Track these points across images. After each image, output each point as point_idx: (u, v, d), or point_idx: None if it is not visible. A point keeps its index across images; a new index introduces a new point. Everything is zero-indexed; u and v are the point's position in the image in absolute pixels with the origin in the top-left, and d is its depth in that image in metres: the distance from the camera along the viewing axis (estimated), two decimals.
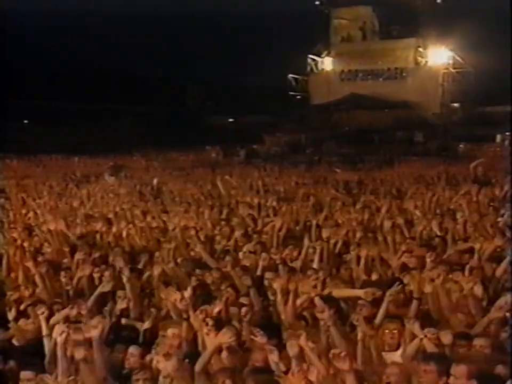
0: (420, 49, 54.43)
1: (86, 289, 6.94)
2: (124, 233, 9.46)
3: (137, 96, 56.20)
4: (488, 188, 13.75)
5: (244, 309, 5.97)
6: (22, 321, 6.06)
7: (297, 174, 21.81)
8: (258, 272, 7.19)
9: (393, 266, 7.21)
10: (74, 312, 5.69)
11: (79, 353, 4.69)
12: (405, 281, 6.14)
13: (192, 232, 9.50)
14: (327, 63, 57.47)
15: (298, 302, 6.03)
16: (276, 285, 6.08)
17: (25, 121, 52.63)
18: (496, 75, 45.76)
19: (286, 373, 4.66)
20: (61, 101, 51.85)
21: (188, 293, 5.73)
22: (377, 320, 5.57)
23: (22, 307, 6.34)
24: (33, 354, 5.30)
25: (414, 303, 5.63)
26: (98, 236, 9.78)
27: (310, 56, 57.54)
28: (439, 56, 53.81)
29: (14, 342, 5.84)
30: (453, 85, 53.84)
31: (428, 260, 6.71)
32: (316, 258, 7.49)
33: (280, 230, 9.32)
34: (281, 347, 4.81)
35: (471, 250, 7.55)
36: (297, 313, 5.97)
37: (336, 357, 4.32)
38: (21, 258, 7.78)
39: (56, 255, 8.62)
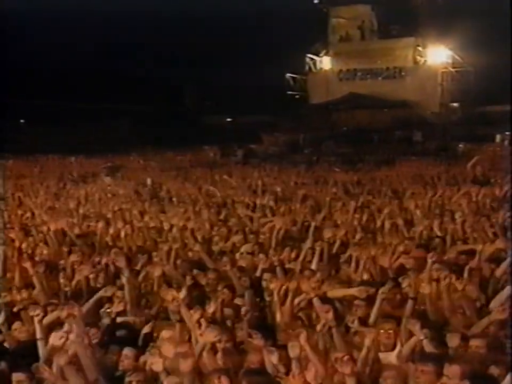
0: (419, 48, 54.39)
1: (84, 291, 6.94)
2: (122, 234, 9.46)
3: (135, 95, 56.14)
4: (487, 188, 13.76)
5: (243, 309, 6.02)
6: (16, 324, 6.04)
7: (296, 174, 21.81)
8: (258, 274, 7.21)
9: (391, 267, 7.22)
10: (64, 313, 5.66)
11: (61, 359, 4.66)
12: (403, 284, 6.15)
13: (190, 232, 9.53)
14: (325, 62, 57.44)
15: (296, 300, 6.05)
16: (273, 286, 6.09)
17: (22, 121, 52.61)
18: (495, 74, 45.78)
19: (285, 374, 4.69)
20: (57, 100, 51.82)
21: (182, 293, 5.75)
22: (371, 319, 5.59)
23: (15, 309, 6.34)
24: (25, 356, 5.26)
25: (410, 303, 5.62)
26: (96, 237, 9.80)
27: (308, 55, 57.55)
28: (438, 55, 53.82)
29: (5, 344, 5.81)
30: (452, 84, 53.88)
31: (429, 260, 6.72)
32: (315, 259, 7.49)
33: (278, 230, 9.33)
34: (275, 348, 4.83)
35: (469, 251, 7.58)
36: (294, 313, 5.98)
37: (339, 361, 4.34)
38: (18, 259, 7.77)
39: (54, 255, 8.62)
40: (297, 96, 58.49)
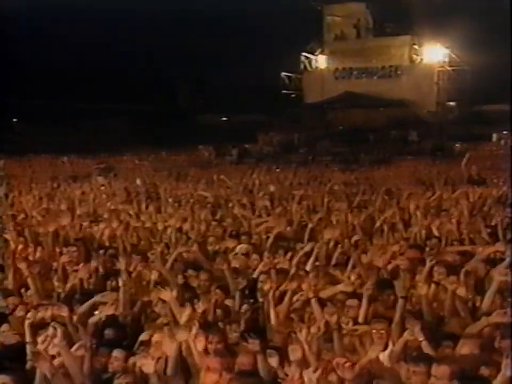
0: (415, 47, 54.47)
1: (78, 293, 6.94)
2: (118, 234, 9.48)
3: (129, 95, 56.14)
4: (483, 188, 13.81)
5: (244, 307, 6.07)
6: (4, 327, 6.04)
7: (291, 174, 21.85)
8: (255, 275, 7.24)
9: (386, 268, 7.24)
10: (48, 313, 5.65)
11: (44, 366, 4.65)
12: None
13: (186, 233, 9.56)
14: (320, 61, 57.49)
15: (294, 298, 6.08)
16: (268, 286, 6.12)
17: (15, 120, 52.53)
18: (492, 73, 45.95)
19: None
20: (51, 100, 51.73)
21: (173, 293, 5.78)
22: (360, 318, 5.63)
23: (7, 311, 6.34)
24: (13, 359, 5.25)
25: (400, 302, 5.63)
26: (91, 237, 9.81)
27: (304, 54, 57.58)
28: (434, 54, 53.89)
29: None
30: (448, 83, 53.97)
31: (428, 263, 6.76)
32: (311, 259, 7.51)
33: (273, 231, 9.36)
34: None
35: (464, 252, 7.64)
36: (289, 314, 6.02)
37: (341, 366, 4.39)
38: (13, 260, 7.77)
39: (48, 257, 8.62)
40: (292, 96, 58.49)
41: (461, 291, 6.03)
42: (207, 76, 63.56)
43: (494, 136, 44.85)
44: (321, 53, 57.47)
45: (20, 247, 8.68)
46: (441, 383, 4.36)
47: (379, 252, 7.63)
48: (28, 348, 5.26)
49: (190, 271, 7.30)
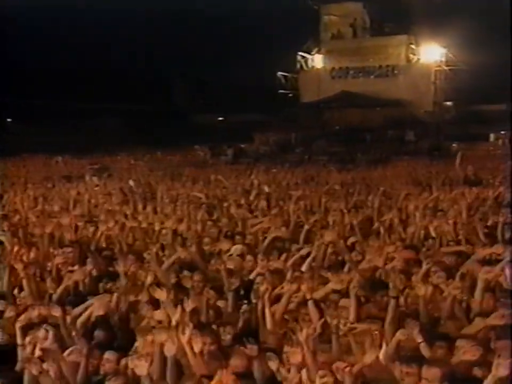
0: (412, 46, 54.53)
1: (71, 294, 6.94)
2: (114, 234, 9.48)
3: (124, 94, 56.11)
4: (480, 188, 13.83)
5: (243, 307, 6.11)
6: None
7: (287, 174, 21.87)
8: (251, 276, 7.25)
9: (385, 268, 7.26)
10: (35, 313, 5.65)
11: (33, 368, 4.66)
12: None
13: (181, 234, 9.57)
14: (317, 61, 57.50)
15: (292, 298, 6.10)
16: (264, 287, 6.13)
17: (9, 120, 52.45)
18: (489, 73, 46.08)
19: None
20: (45, 99, 51.68)
21: (165, 293, 5.80)
22: (351, 317, 5.65)
23: None
24: (2, 361, 5.25)
25: (392, 302, 5.64)
26: (86, 238, 9.80)
27: (300, 53, 57.61)
28: (431, 53, 53.96)
29: None
30: (445, 83, 54.06)
31: (424, 264, 6.79)
32: (308, 261, 7.51)
33: (269, 232, 9.38)
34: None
35: (459, 252, 7.68)
36: (284, 315, 6.04)
37: (341, 371, 4.41)
38: (8, 261, 7.76)
39: (43, 258, 8.61)
40: (289, 95, 58.49)
41: (456, 292, 6.04)
42: (204, 76, 63.69)
43: (492, 136, 44.97)
44: (318, 52, 57.49)
45: (15, 248, 8.68)
46: None
47: (376, 253, 7.65)
48: (19, 351, 5.24)
49: (185, 272, 7.32)
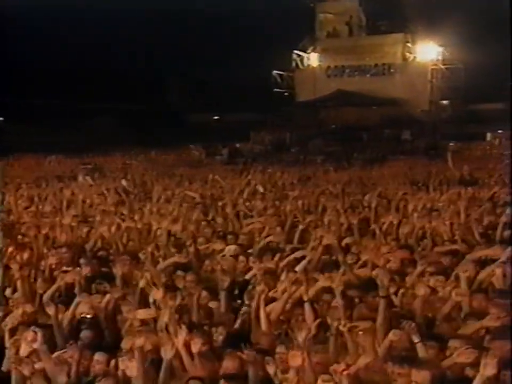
0: (408, 44, 54.59)
1: (63, 295, 6.95)
2: (109, 235, 9.50)
3: (118, 93, 56.03)
4: (475, 188, 13.87)
5: (244, 309, 6.16)
6: None
7: (283, 173, 21.89)
8: (247, 277, 7.29)
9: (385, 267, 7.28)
10: (19, 312, 5.66)
11: (27, 369, 4.69)
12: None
13: (174, 234, 9.59)
14: (313, 59, 57.57)
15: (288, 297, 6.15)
16: (261, 288, 6.15)
17: (1, 119, 52.32)
18: (486, 72, 46.17)
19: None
20: (38, 98, 51.59)
21: (161, 293, 5.84)
22: (341, 316, 5.68)
23: None
24: None
25: (382, 302, 5.67)
26: (81, 239, 9.82)
27: (296, 51, 57.63)
28: (428, 52, 54.04)
29: None
30: (442, 82, 54.11)
31: (419, 265, 6.83)
32: (304, 263, 7.53)
33: (263, 232, 9.41)
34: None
35: (456, 253, 7.73)
36: (280, 316, 6.07)
37: (339, 374, 4.43)
38: (2, 261, 7.77)
39: (37, 259, 8.63)
40: (285, 94, 58.47)
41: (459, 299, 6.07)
42: (199, 75, 63.58)
43: (488, 135, 45.02)
44: (314, 50, 57.54)
45: (10, 248, 8.69)
46: None
47: (372, 253, 7.69)
48: (7, 353, 5.25)
49: (179, 272, 7.36)
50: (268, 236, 9.24)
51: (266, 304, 6.01)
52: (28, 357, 4.91)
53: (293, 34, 55.42)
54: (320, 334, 5.38)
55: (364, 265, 7.39)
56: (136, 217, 10.94)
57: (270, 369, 4.77)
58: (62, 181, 19.98)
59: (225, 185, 16.94)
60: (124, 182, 18.00)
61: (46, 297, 6.66)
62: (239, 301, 6.63)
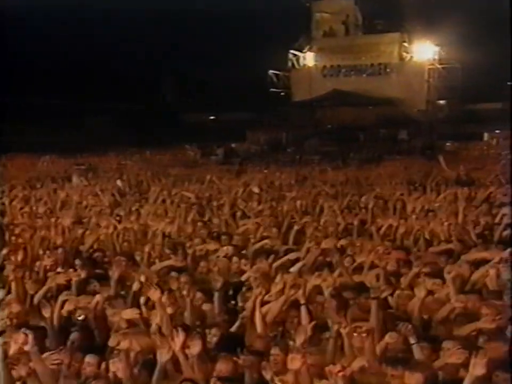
0: (405, 44, 54.52)
1: (55, 297, 6.95)
2: (104, 237, 9.53)
3: (112, 92, 55.95)
4: (472, 189, 13.90)
5: (244, 313, 6.13)
6: None
7: (279, 174, 21.91)
8: (243, 278, 7.31)
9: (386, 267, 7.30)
10: (6, 313, 5.67)
11: (22, 370, 4.72)
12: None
13: (169, 235, 9.63)
14: (309, 59, 57.52)
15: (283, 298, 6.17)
16: (258, 290, 6.17)
17: None
18: (483, 71, 46.24)
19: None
20: (31, 97, 51.44)
21: (159, 293, 5.86)
22: (333, 317, 5.71)
23: None
24: None
25: (374, 304, 5.71)
26: (77, 240, 9.83)
27: (292, 51, 57.62)
28: (424, 51, 53.98)
29: None
30: (439, 81, 54.06)
31: (414, 266, 6.87)
32: (299, 265, 7.55)
33: (258, 232, 9.46)
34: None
35: (447, 252, 7.79)
36: (275, 318, 6.10)
37: (334, 375, 4.45)
38: None
39: (31, 261, 8.64)
40: (280, 94, 58.39)
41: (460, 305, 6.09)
42: (195, 75, 63.53)
43: (486, 135, 45.07)
44: (310, 50, 57.47)
45: (4, 250, 8.70)
46: None
47: (368, 254, 7.73)
48: None
49: (173, 273, 7.37)
50: (263, 237, 9.28)
51: (260, 306, 6.05)
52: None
53: (289, 34, 55.36)
54: (314, 336, 5.41)
55: (359, 266, 7.44)
56: (132, 218, 11.00)
57: (267, 374, 4.80)
58: (56, 181, 19.96)
59: (221, 186, 16.98)
60: (119, 182, 18.02)
61: (37, 298, 6.68)
62: (232, 302, 6.66)
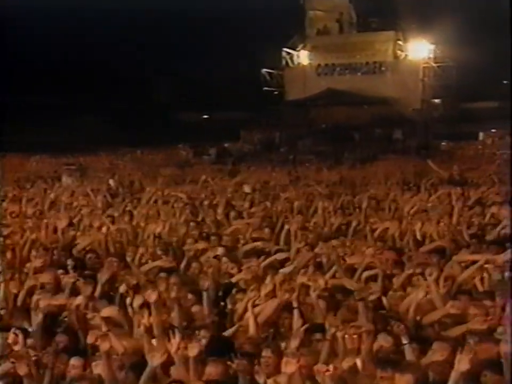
0: (400, 42, 54.44)
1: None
2: (95, 238, 9.54)
3: (103, 91, 55.89)
4: (465, 189, 13.95)
5: (246, 315, 6.16)
6: None
7: (272, 173, 21.96)
8: (234, 280, 7.34)
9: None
10: None
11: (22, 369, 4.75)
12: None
13: (159, 236, 9.66)
14: (303, 57, 57.41)
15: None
16: (253, 294, 6.19)
17: None
18: (479, 70, 46.38)
19: None
20: (21, 95, 51.31)
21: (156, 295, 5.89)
22: (323, 319, 5.75)
23: None
24: None
25: (360, 305, 5.77)
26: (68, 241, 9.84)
27: (285, 49, 57.55)
28: (419, 50, 53.94)
29: None
30: (434, 80, 54.08)
31: (407, 268, 6.92)
32: (291, 267, 7.57)
33: (250, 233, 9.49)
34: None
35: (438, 251, 7.85)
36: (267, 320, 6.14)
37: (322, 374, 4.50)
38: None
39: (19, 262, 8.64)
40: (274, 93, 58.31)
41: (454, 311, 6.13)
42: (188, 73, 63.46)
43: (481, 135, 45.19)
44: (303, 48, 57.34)
45: None
46: None
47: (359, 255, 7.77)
48: None
49: (162, 274, 7.40)
50: (254, 238, 9.31)
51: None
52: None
53: (283, 32, 55.24)
54: (305, 337, 5.44)
55: (351, 267, 7.48)
56: (125, 219, 11.01)
57: (260, 378, 4.82)
58: (46, 181, 19.92)
59: (213, 186, 17.00)
60: (111, 182, 18.01)
61: (20, 297, 6.72)
62: (222, 303, 6.69)
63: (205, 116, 61.79)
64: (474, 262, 6.97)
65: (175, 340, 5.00)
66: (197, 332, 5.73)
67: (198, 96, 60.33)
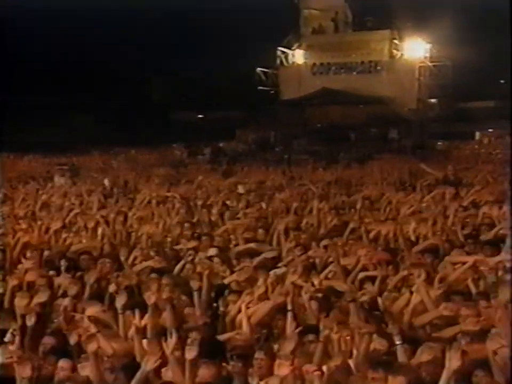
0: (396, 41, 54.38)
1: None
2: (88, 238, 9.55)
3: (97, 89, 55.80)
4: (459, 189, 13.98)
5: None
6: None
7: (267, 173, 21.97)
8: (226, 281, 7.35)
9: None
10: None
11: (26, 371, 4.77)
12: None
13: (150, 236, 9.68)
14: (298, 56, 57.33)
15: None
16: (247, 297, 6.21)
17: None
18: (475, 69, 46.50)
19: None
20: (13, 94, 51.15)
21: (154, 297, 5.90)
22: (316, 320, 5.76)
23: None
24: None
25: (352, 306, 5.80)
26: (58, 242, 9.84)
27: (280, 48, 57.52)
28: (415, 49, 53.88)
29: None
30: (430, 80, 54.03)
31: (401, 269, 6.94)
32: (283, 270, 7.57)
33: (243, 233, 9.52)
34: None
35: (431, 251, 7.88)
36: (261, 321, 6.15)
37: (311, 373, 4.52)
38: None
39: (10, 262, 8.64)
40: (269, 92, 58.27)
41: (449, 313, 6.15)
42: (182, 72, 63.43)
43: (477, 134, 45.30)
44: (299, 47, 57.25)
45: None
46: None
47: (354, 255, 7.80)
48: None
49: (153, 275, 7.41)
50: (247, 239, 9.33)
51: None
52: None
53: (278, 31, 55.14)
54: (298, 339, 5.46)
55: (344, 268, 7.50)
56: (119, 219, 11.01)
57: (253, 380, 4.84)
58: (38, 182, 19.88)
59: (208, 186, 17.00)
60: (106, 182, 18.01)
61: (6, 298, 6.72)
62: (214, 304, 6.70)
63: (200, 116, 61.73)
64: (465, 263, 7.01)
65: (172, 341, 5.02)
66: (189, 334, 5.71)
67: (192, 96, 60.30)
